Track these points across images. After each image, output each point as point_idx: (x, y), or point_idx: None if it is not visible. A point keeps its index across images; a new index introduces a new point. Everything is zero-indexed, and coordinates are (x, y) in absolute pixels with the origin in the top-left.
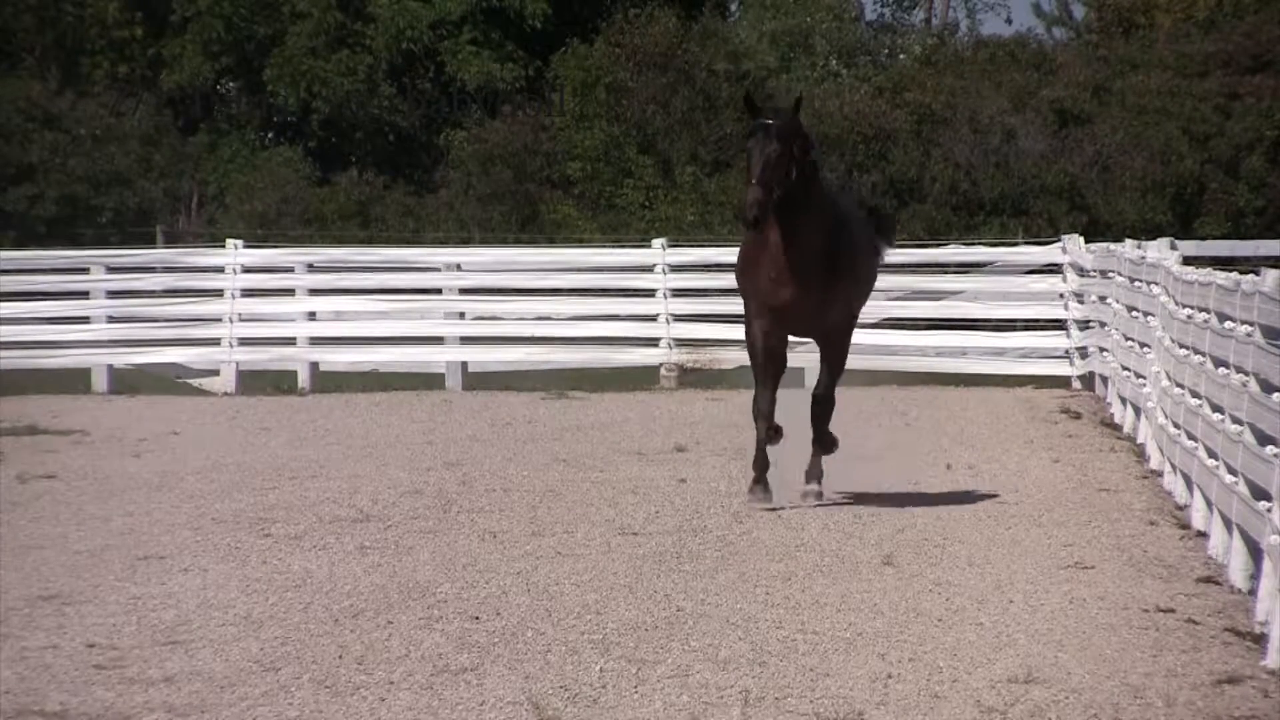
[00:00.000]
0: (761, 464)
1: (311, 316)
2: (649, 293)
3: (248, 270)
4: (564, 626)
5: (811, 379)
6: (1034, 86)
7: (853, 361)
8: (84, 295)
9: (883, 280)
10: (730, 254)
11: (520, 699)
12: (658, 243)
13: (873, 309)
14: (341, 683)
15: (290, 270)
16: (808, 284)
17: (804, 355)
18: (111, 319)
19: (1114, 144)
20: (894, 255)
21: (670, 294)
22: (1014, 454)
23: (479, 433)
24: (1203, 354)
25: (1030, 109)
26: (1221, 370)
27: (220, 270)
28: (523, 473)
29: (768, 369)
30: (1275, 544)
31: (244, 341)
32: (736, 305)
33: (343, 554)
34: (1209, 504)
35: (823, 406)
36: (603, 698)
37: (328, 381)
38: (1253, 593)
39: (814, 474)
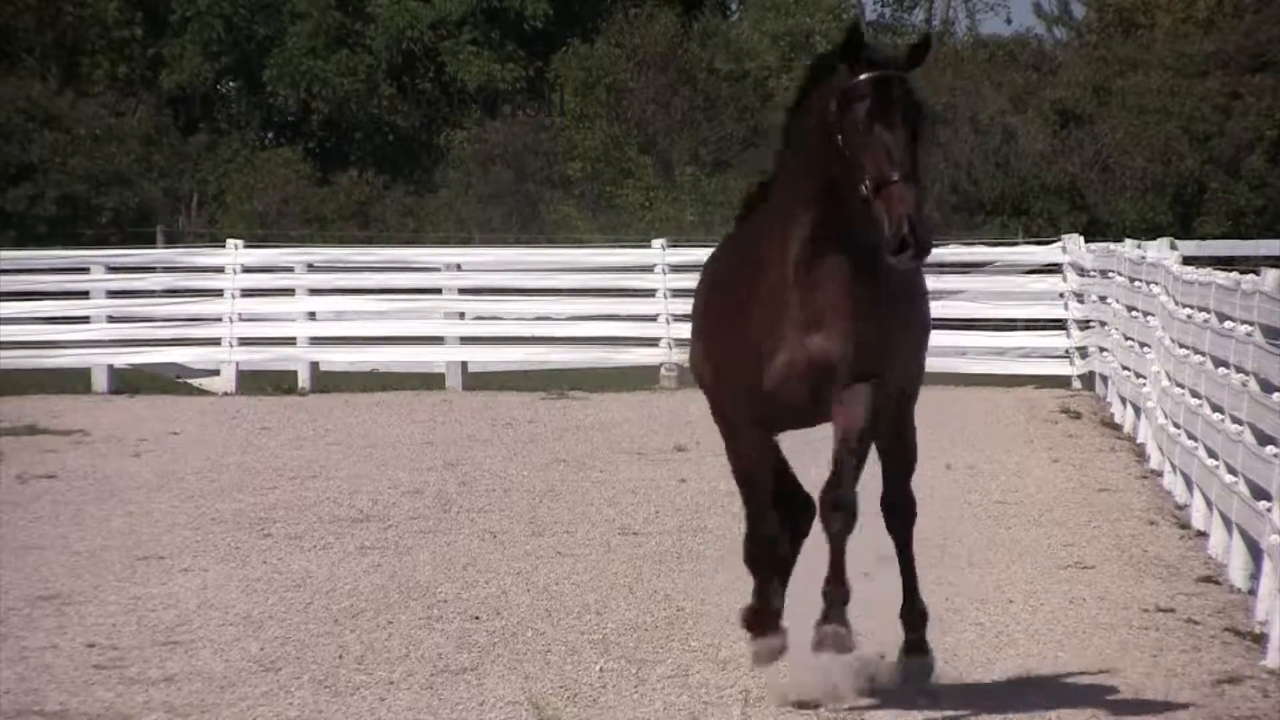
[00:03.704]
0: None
1: (311, 316)
2: (649, 293)
3: (248, 270)
4: (564, 626)
5: None
6: (1034, 86)
7: None
8: (84, 295)
9: None
10: None
11: (520, 699)
12: (657, 243)
13: None
14: (341, 683)
15: (290, 270)
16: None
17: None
18: (112, 319)
19: (1114, 144)
20: None
21: (670, 294)
22: (1014, 454)
23: (479, 433)
24: (1203, 354)
25: (1030, 109)
26: (1221, 370)
27: (220, 270)
28: (523, 473)
29: (765, 484)
30: (1275, 544)
31: (244, 341)
32: None
33: (343, 554)
34: (1209, 504)
35: (903, 518)
36: (603, 698)
37: (328, 381)
38: (1253, 592)
39: (918, 667)
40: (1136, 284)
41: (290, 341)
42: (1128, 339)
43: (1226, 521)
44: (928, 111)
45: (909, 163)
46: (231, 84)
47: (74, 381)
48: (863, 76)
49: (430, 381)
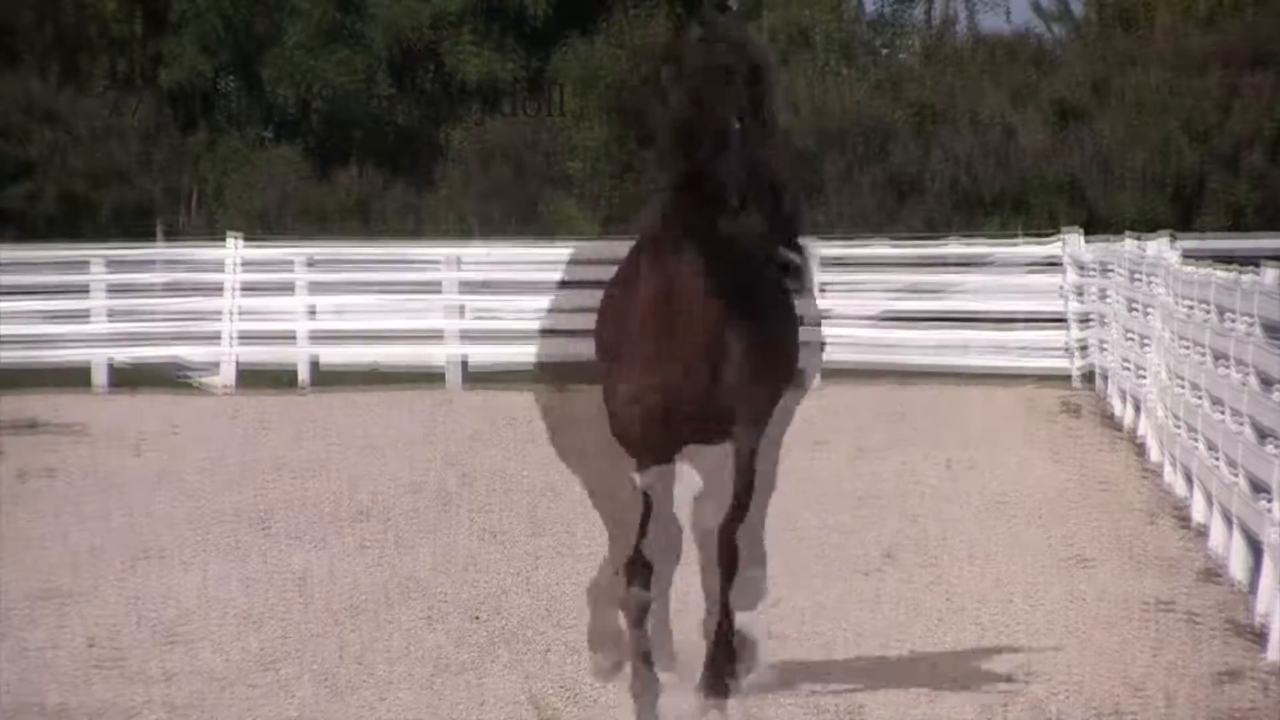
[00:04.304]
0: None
1: (312, 312)
2: None
3: (248, 266)
4: (564, 626)
5: None
6: (1033, 83)
7: (853, 358)
8: (84, 291)
9: (884, 276)
10: None
11: (520, 698)
12: None
13: (873, 305)
14: (341, 681)
15: (290, 266)
16: (730, 355)
17: None
18: (112, 314)
19: (1114, 140)
20: (895, 251)
21: None
22: (1014, 450)
23: (479, 430)
24: (1203, 350)
25: (1030, 105)
26: (1221, 367)
27: (220, 266)
28: (523, 470)
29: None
30: (1275, 539)
31: (244, 337)
32: None
33: (343, 551)
34: (1209, 500)
35: (727, 545)
36: (603, 697)
37: (328, 378)
38: (1253, 588)
39: (716, 681)
40: (1136, 280)
41: (290, 337)
42: (1128, 335)
43: (1227, 517)
44: (765, 66)
45: (742, 116)
46: (231, 81)
47: (74, 377)
48: (692, 40)
49: (430, 378)
